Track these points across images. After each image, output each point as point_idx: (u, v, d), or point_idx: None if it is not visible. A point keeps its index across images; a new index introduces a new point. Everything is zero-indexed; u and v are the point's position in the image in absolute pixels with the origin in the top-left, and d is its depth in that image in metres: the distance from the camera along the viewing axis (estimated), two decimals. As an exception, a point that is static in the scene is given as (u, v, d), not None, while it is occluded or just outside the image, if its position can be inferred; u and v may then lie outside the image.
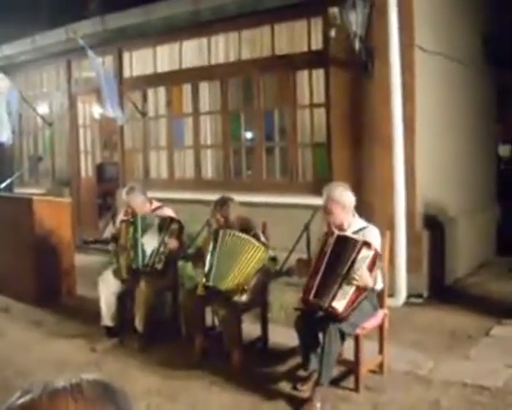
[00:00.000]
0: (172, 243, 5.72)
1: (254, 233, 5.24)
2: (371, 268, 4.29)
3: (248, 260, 5.08)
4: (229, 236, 5.17)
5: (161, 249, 5.69)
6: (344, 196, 4.59)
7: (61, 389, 0.97)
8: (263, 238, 5.28)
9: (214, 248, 5.16)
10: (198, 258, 5.40)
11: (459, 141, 8.02)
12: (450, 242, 7.56)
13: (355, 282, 4.24)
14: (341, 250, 4.36)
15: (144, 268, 5.70)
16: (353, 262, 4.26)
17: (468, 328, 5.88)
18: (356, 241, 4.34)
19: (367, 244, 4.30)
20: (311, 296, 4.38)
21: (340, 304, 4.25)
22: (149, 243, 5.74)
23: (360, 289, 4.29)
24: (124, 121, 9.44)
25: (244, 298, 5.07)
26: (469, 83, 8.32)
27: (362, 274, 4.24)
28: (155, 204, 6.10)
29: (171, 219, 5.84)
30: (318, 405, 4.25)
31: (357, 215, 4.70)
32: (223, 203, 5.35)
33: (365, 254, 4.27)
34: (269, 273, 5.33)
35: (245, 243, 5.14)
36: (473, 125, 8.52)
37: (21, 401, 0.96)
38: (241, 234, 5.16)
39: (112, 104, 8.91)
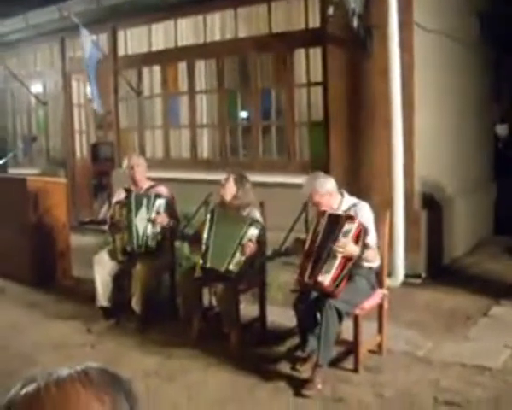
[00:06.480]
0: (160, 219, 5.65)
1: (250, 211, 5.20)
2: (356, 240, 4.31)
3: (242, 238, 5.02)
4: (223, 215, 5.12)
5: (150, 228, 5.64)
6: (325, 183, 4.61)
7: (67, 377, 0.92)
8: (258, 216, 5.23)
9: (210, 228, 5.10)
10: (195, 239, 5.34)
11: (457, 120, 7.96)
12: (448, 221, 7.53)
13: (339, 253, 4.25)
14: (331, 228, 4.39)
15: (139, 249, 5.65)
16: (337, 237, 4.30)
17: (467, 308, 5.87)
18: (341, 216, 4.41)
19: (350, 218, 4.37)
20: (306, 277, 4.37)
21: (324, 277, 4.26)
22: (141, 223, 5.68)
23: (346, 260, 4.29)
24: (102, 111, 9.57)
25: (234, 268, 4.97)
26: (467, 61, 8.24)
27: (345, 244, 4.25)
28: (149, 183, 6.03)
29: (156, 195, 5.77)
30: (319, 386, 4.23)
31: (346, 193, 4.71)
32: (242, 178, 5.29)
33: (348, 228, 4.31)
34: (263, 250, 5.26)
35: (238, 220, 5.09)
36: (470, 105, 8.46)
37: (26, 390, 0.91)
38: (233, 212, 5.11)
39: (92, 91, 8.95)
